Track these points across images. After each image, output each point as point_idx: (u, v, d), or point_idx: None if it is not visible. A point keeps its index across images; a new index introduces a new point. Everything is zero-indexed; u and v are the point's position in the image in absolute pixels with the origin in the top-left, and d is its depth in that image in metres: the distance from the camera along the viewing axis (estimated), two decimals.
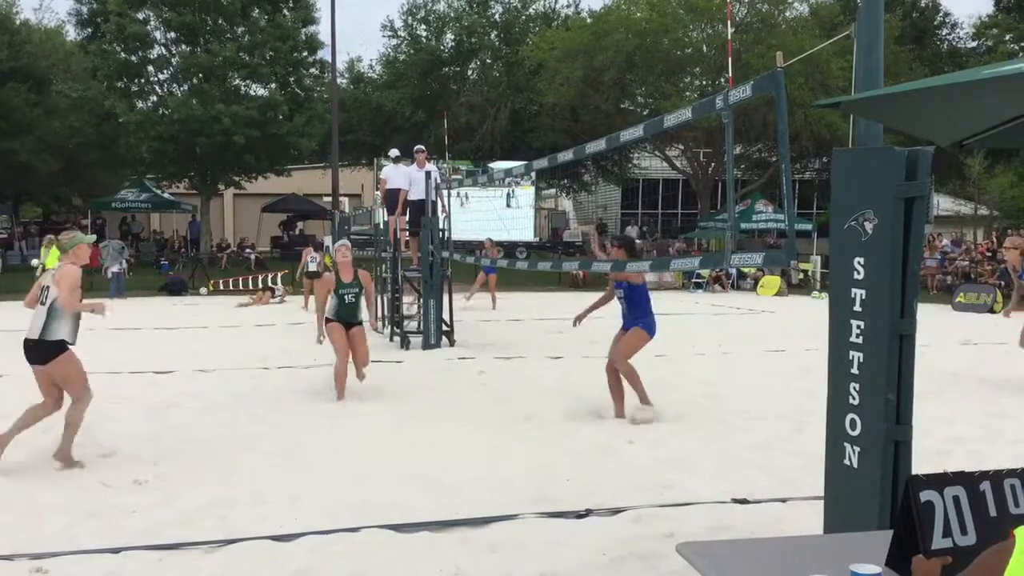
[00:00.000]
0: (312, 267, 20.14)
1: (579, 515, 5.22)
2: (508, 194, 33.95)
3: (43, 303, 6.18)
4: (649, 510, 5.26)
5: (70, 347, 6.23)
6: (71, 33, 35.89)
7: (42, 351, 6.18)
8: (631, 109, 33.89)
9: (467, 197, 31.56)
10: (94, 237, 6.91)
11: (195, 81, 31.49)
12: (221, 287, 26.01)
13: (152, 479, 6.02)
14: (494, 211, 32.58)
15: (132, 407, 8.40)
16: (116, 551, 4.62)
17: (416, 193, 13.94)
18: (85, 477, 6.00)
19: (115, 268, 24.00)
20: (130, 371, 10.62)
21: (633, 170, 40.50)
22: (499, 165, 28.12)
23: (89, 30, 32.40)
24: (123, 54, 31.77)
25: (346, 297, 8.85)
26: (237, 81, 32.34)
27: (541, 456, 6.61)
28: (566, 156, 8.20)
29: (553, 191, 43.03)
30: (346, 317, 8.91)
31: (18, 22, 33.91)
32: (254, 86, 33.25)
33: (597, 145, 6.71)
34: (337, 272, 8.99)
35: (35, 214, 48.10)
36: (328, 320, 8.84)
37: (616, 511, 5.26)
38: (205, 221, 34.53)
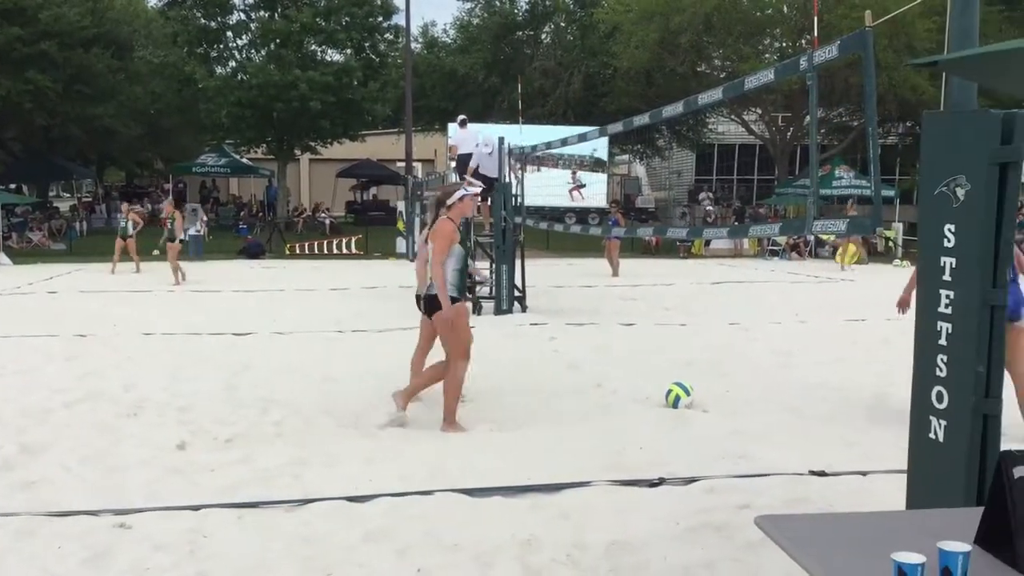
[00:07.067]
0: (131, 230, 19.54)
1: (652, 484, 5.18)
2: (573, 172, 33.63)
3: (427, 260, 6.48)
4: (723, 480, 5.19)
5: (458, 301, 6.46)
6: None
7: (429, 304, 6.48)
8: (708, 72, 33.23)
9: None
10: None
11: (273, 47, 31.86)
12: (297, 251, 26.42)
13: (231, 438, 6.15)
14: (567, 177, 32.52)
15: (211, 367, 8.60)
16: (196, 508, 4.74)
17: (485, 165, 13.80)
18: (165, 435, 6.16)
19: (192, 231, 24.47)
20: (209, 332, 10.86)
21: (709, 135, 39.80)
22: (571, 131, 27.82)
23: None
24: (203, 20, 32.28)
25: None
26: (313, 47, 32.64)
27: (614, 424, 6.57)
28: (642, 120, 8.09)
29: (626, 157, 42.57)
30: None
31: None
32: (330, 52, 33.53)
33: (674, 108, 6.59)
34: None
35: (118, 178, 49.41)
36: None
37: (689, 480, 5.20)
38: (282, 186, 35.05)
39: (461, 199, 6.49)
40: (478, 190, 6.95)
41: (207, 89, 30.48)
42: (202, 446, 5.98)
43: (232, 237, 29.20)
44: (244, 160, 36.83)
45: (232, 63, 33.66)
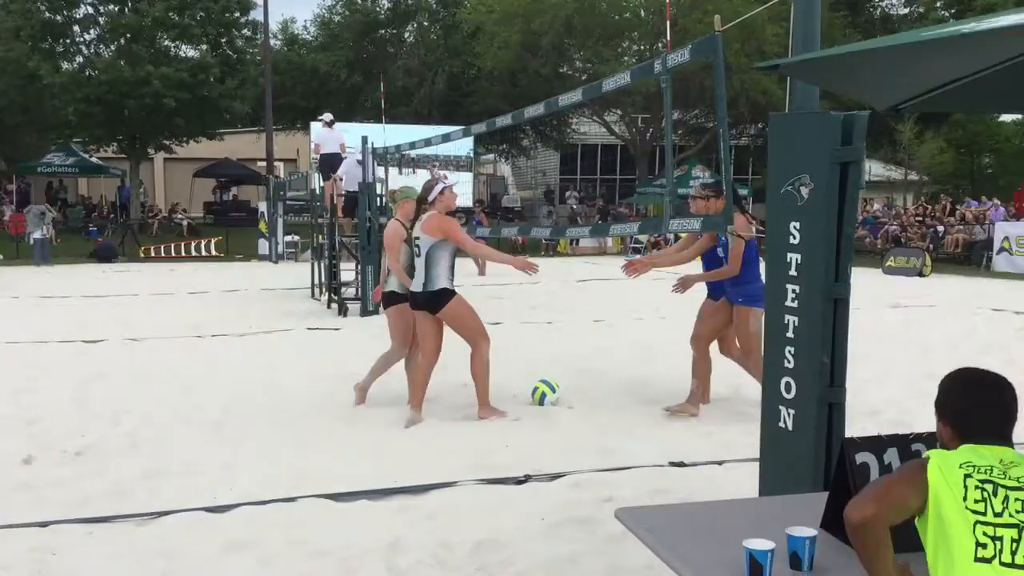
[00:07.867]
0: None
1: (518, 481, 5.22)
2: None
3: (418, 255, 6.38)
4: (587, 475, 5.28)
5: (456, 292, 6.45)
6: None
7: (430, 300, 6.38)
8: (569, 74, 33.77)
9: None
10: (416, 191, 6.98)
11: (123, 42, 30.58)
12: (152, 253, 25.48)
13: (82, 450, 5.87)
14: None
15: (60, 377, 8.19)
16: (44, 524, 4.50)
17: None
18: (10, 449, 5.82)
19: (37, 234, 23.24)
20: (58, 340, 10.35)
21: (572, 135, 40.44)
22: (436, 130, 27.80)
23: None
24: (47, 13, 30.71)
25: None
26: (167, 42, 31.50)
27: (480, 423, 6.60)
28: (505, 120, 8.12)
29: (492, 156, 42.82)
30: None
31: None
32: (184, 47, 32.42)
33: (536, 109, 6.64)
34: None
35: None
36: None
37: (555, 476, 5.26)
38: (135, 186, 33.71)
39: (441, 192, 6.56)
40: (453, 182, 6.99)
41: (53, 85, 29.02)
42: (50, 460, 5.67)
43: (82, 240, 27.94)
44: (94, 159, 35.24)
45: (80, 58, 32.14)
